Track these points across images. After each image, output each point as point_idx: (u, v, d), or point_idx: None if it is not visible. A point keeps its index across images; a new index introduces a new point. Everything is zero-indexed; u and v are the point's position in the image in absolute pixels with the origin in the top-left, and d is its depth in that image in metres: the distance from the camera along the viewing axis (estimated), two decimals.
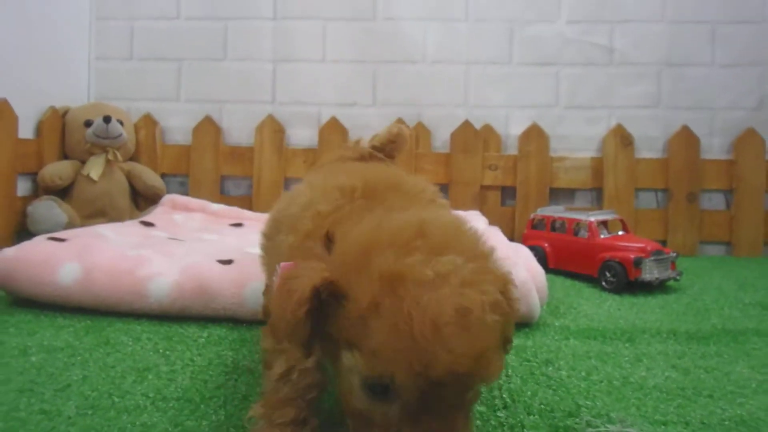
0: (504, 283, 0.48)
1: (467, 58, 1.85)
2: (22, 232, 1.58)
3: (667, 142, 1.84)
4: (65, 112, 1.78)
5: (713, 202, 1.86)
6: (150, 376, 0.74)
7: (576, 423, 0.64)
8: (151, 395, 0.69)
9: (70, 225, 1.59)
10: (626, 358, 0.86)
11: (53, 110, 1.74)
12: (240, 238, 1.41)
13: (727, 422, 0.65)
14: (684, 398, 0.72)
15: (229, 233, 1.51)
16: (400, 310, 0.42)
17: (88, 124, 1.74)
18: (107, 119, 1.72)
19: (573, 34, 1.84)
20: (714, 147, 1.85)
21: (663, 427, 0.64)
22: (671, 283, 1.37)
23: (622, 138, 1.84)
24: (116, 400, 0.67)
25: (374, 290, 0.43)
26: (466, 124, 1.84)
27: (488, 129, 1.85)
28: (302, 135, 1.90)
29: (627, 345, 0.92)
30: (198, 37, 1.92)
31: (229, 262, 1.06)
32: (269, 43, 1.90)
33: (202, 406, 0.66)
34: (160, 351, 0.84)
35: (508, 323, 0.47)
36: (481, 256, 0.48)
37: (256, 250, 0.95)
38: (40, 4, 1.69)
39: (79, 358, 0.80)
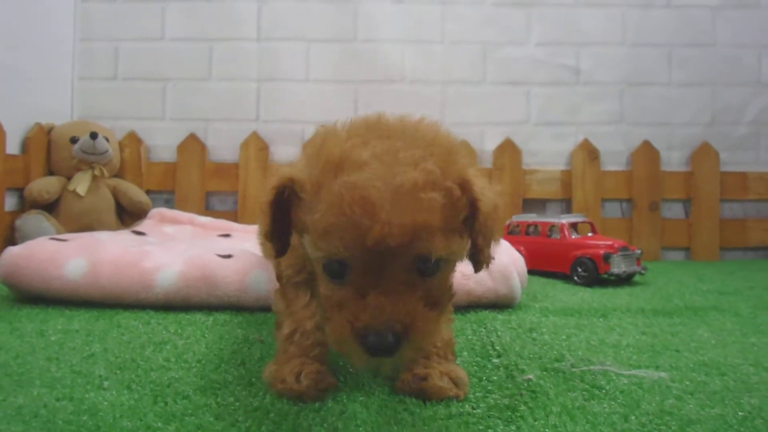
0: (461, 175, 0.50)
1: (443, 78, 1.97)
2: (11, 246, 1.60)
3: (630, 156, 1.98)
4: (50, 129, 1.82)
5: (673, 211, 2.00)
6: (168, 347, 0.80)
7: (562, 365, 0.72)
8: (172, 359, 0.74)
9: None
10: (600, 328, 0.94)
11: (39, 127, 1.78)
12: (232, 245, 1.47)
13: (692, 365, 0.74)
14: (654, 352, 0.81)
15: (220, 242, 1.56)
16: (335, 190, 0.46)
17: (74, 140, 1.78)
18: (94, 135, 1.77)
19: (542, 56, 1.98)
20: (673, 160, 1.99)
21: (638, 368, 0.72)
22: (637, 277, 1.47)
23: (588, 152, 1.97)
24: (141, 363, 0.72)
25: (318, 175, 0.48)
26: None
27: (464, 144, 1.96)
28: (286, 152, 1.97)
29: (600, 319, 1.01)
30: (183, 57, 1.99)
31: (228, 256, 1.11)
32: (254, 63, 1.98)
33: (222, 365, 0.72)
34: (172, 331, 0.89)
35: (455, 209, 0.48)
36: (440, 146, 0.50)
37: (253, 247, 1.01)
38: (26, 25, 1.75)
39: (96, 336, 0.84)
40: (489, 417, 0.56)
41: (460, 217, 0.50)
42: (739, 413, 0.59)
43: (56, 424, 0.53)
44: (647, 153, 1.97)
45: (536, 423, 0.53)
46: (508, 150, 1.96)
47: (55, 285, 1.02)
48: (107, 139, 1.82)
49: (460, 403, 0.59)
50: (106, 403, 0.59)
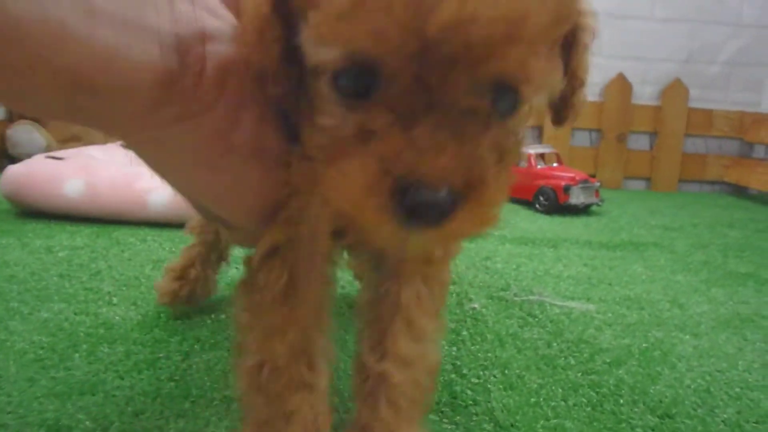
0: None
1: None
2: (1, 155, 1.66)
3: (603, 88, 2.05)
4: None
5: (639, 142, 2.10)
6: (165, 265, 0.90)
7: (506, 294, 0.84)
8: None
9: (48, 149, 1.67)
10: (549, 258, 1.07)
11: None
12: None
13: (618, 299, 0.87)
14: (590, 285, 0.94)
15: None
16: None
17: None
18: None
19: None
20: (645, 94, 2.06)
21: (571, 300, 0.85)
22: (594, 207, 1.60)
23: None
24: (143, 281, 0.83)
25: None
26: None
27: None
28: None
29: (551, 249, 1.13)
30: None
31: None
32: None
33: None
34: (167, 249, 0.99)
35: (565, 17, 0.29)
36: None
37: None
38: None
39: (99, 254, 0.94)
40: None
41: (562, 32, 0.30)
42: (643, 344, 0.72)
43: (78, 336, 0.64)
44: (620, 86, 2.04)
45: (474, 347, 0.66)
46: None
47: (57, 202, 1.11)
48: None
49: None
50: (117, 317, 0.70)
